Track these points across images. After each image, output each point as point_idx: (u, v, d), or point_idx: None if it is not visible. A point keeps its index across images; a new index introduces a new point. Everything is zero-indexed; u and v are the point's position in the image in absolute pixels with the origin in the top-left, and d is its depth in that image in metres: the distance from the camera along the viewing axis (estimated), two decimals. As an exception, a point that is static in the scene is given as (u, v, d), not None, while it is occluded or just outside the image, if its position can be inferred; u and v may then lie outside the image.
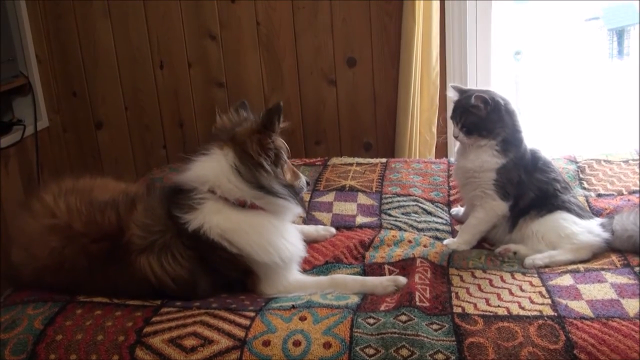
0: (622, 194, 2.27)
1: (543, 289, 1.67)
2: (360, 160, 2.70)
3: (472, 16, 2.90)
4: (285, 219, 1.86)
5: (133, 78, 3.15)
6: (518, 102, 3.65)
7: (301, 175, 1.91)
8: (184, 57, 3.09)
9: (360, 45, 2.98)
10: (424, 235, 2.14)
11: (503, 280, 1.77)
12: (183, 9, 3.01)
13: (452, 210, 2.32)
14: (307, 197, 2.35)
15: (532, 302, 1.60)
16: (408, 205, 2.31)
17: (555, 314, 1.53)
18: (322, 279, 1.86)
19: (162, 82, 3.14)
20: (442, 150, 3.04)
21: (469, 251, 2.01)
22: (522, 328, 1.49)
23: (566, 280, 1.72)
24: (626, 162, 2.47)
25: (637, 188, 2.27)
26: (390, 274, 1.89)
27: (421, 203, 2.33)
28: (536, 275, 1.78)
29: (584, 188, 2.34)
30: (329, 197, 2.38)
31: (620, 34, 4.14)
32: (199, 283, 1.74)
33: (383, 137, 3.09)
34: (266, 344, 1.50)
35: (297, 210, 1.87)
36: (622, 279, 1.69)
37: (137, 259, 1.70)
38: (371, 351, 1.47)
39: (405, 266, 1.90)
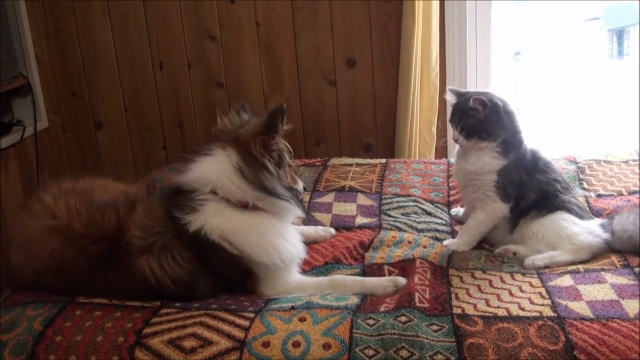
0: (622, 195, 2.26)
1: (543, 290, 1.67)
2: (360, 160, 2.69)
3: (472, 16, 2.89)
4: (286, 221, 1.87)
5: (133, 78, 3.15)
6: (518, 102, 3.65)
7: (299, 181, 1.92)
8: (183, 58, 3.09)
9: (360, 45, 2.98)
10: (424, 235, 2.14)
11: (503, 281, 1.77)
12: (183, 9, 3.01)
13: (451, 210, 2.32)
14: (306, 198, 2.35)
15: (531, 302, 1.60)
16: (408, 206, 2.31)
17: (555, 315, 1.53)
18: (321, 279, 1.86)
19: (162, 82, 3.14)
20: (441, 150, 3.04)
21: (469, 252, 2.01)
22: (522, 329, 1.48)
23: (566, 280, 1.72)
24: (626, 162, 2.47)
25: (637, 188, 2.26)
26: (389, 274, 1.89)
27: (421, 204, 2.33)
28: (536, 276, 1.78)
29: (584, 188, 2.34)
30: (328, 198, 2.38)
31: (620, 34, 4.14)
32: (199, 284, 1.74)
33: (383, 137, 3.09)
34: (266, 345, 1.50)
35: (298, 212, 1.88)
36: (622, 280, 1.69)
37: (136, 260, 1.70)
38: (371, 352, 1.47)
39: (404, 267, 1.90)
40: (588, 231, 1.95)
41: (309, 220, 2.24)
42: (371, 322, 1.54)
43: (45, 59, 3.13)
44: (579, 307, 1.56)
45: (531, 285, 1.72)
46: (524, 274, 1.81)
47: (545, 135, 3.41)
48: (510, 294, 1.68)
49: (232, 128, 1.85)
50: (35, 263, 1.78)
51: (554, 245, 1.93)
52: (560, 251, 1.91)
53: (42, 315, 1.64)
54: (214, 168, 1.77)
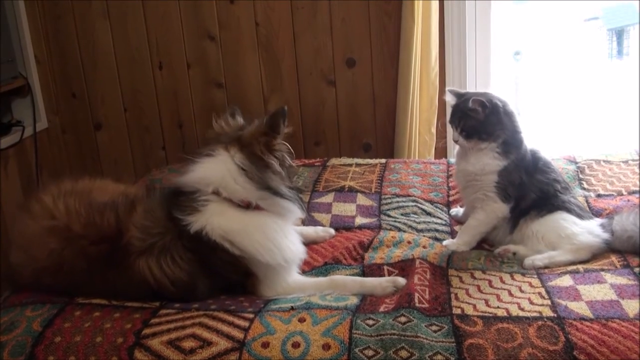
0: (622, 195, 2.26)
1: (542, 290, 1.67)
2: (360, 160, 2.69)
3: (472, 16, 2.89)
4: (288, 221, 1.87)
5: (132, 79, 3.15)
6: (518, 102, 3.65)
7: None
8: (183, 58, 3.09)
9: (359, 45, 2.98)
10: (423, 236, 2.13)
11: (502, 281, 1.76)
12: (182, 9, 3.01)
13: (451, 210, 2.32)
14: (306, 198, 2.35)
15: (531, 303, 1.60)
16: (407, 206, 2.31)
17: (555, 315, 1.53)
18: (321, 280, 1.86)
19: (161, 83, 3.14)
20: (441, 150, 3.04)
21: (469, 252, 2.01)
22: (522, 329, 1.48)
23: (566, 281, 1.72)
24: (626, 162, 2.47)
25: (637, 188, 2.26)
26: (389, 274, 1.89)
27: (420, 204, 2.33)
28: (536, 276, 1.78)
29: (584, 188, 2.34)
30: (328, 198, 2.38)
31: (619, 34, 4.14)
32: (198, 285, 1.74)
33: (382, 137, 3.09)
34: (265, 345, 1.49)
35: (299, 212, 1.88)
36: (621, 280, 1.69)
37: (136, 261, 1.70)
38: (370, 352, 1.46)
39: (404, 267, 1.89)
40: (588, 231, 1.95)
41: (308, 220, 2.24)
42: (371, 322, 1.54)
43: (45, 59, 3.14)
44: (579, 308, 1.56)
45: (531, 285, 1.72)
46: (523, 274, 1.80)
47: (545, 135, 3.41)
48: (510, 294, 1.67)
49: (229, 131, 1.85)
50: (34, 264, 1.78)
51: (553, 245, 1.93)
52: (560, 251, 1.90)
53: (42, 316, 1.64)
54: (216, 169, 1.78)
